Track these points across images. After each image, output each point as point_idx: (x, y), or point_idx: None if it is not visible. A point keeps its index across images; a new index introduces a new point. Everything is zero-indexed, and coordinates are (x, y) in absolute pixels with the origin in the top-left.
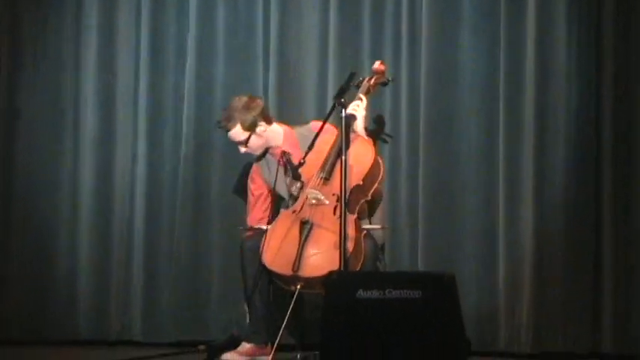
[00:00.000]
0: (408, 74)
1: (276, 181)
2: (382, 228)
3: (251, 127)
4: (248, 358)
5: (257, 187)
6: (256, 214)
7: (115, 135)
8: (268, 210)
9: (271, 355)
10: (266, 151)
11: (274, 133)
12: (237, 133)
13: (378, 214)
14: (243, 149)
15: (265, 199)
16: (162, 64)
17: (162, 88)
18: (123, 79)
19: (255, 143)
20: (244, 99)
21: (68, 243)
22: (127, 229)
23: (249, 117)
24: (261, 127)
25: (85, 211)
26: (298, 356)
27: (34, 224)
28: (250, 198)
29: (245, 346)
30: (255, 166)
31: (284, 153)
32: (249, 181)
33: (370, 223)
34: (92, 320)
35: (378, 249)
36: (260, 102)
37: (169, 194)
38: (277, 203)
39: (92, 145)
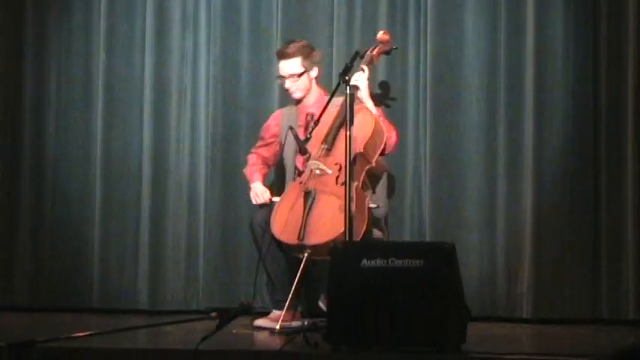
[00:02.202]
0: (415, 54)
1: (284, 145)
2: (377, 207)
3: (309, 66)
4: (278, 323)
5: (271, 136)
6: (256, 158)
7: (126, 113)
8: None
9: (280, 322)
10: (298, 102)
11: (314, 90)
12: (295, 64)
13: (377, 192)
14: (289, 83)
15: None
16: (193, 49)
17: (175, 70)
18: (130, 61)
19: (303, 83)
20: (307, 42)
21: (92, 216)
22: (155, 204)
23: (311, 57)
24: (315, 72)
25: (113, 187)
26: (305, 323)
27: (64, 200)
28: (259, 141)
29: (275, 313)
30: (279, 111)
31: (308, 115)
32: (268, 122)
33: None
34: (121, 289)
35: (379, 220)
36: (320, 53)
37: (198, 171)
38: (282, 174)
39: (119, 126)
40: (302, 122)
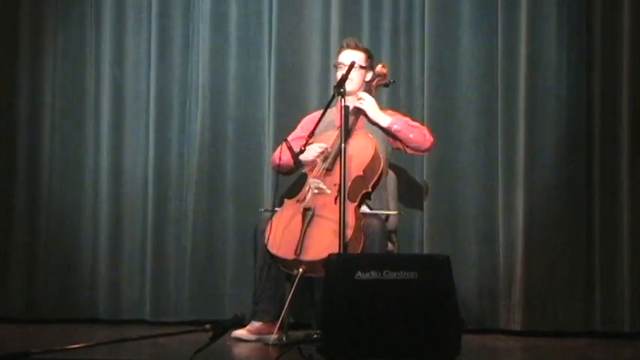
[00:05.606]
0: (410, 67)
1: (313, 131)
2: (398, 214)
3: (368, 67)
4: (257, 336)
5: (307, 130)
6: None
7: (129, 125)
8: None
9: (275, 333)
10: (343, 97)
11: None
12: (358, 56)
13: (392, 200)
14: (343, 71)
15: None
16: (180, 59)
17: (177, 83)
18: (134, 73)
19: (357, 78)
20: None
21: (89, 226)
22: (145, 213)
23: (373, 61)
24: (368, 77)
25: (104, 197)
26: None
27: (57, 209)
28: (292, 134)
29: (254, 324)
30: (317, 113)
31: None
32: (309, 117)
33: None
34: (123, 300)
35: (388, 231)
36: (378, 65)
37: (185, 181)
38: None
39: (111, 134)
40: (338, 122)
